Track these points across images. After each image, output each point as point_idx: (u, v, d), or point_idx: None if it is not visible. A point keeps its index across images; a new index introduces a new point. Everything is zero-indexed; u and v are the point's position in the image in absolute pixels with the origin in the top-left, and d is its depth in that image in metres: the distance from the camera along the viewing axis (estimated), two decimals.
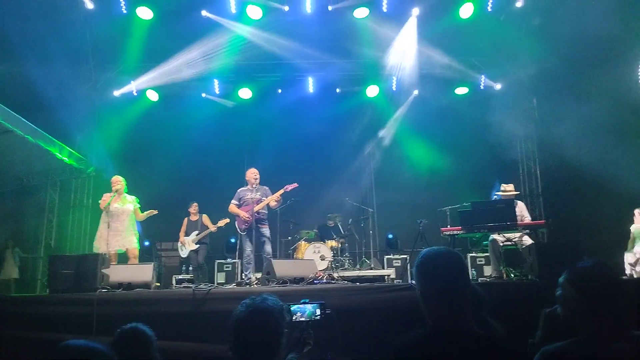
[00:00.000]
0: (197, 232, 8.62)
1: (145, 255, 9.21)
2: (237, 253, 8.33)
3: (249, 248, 6.77)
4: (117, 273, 5.28)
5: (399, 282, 7.21)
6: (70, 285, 4.91)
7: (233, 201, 7.05)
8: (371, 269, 8.51)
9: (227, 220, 8.05)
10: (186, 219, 8.85)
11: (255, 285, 5.98)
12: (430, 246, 1.90)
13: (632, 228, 7.33)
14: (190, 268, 8.65)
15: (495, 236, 6.16)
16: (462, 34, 9.43)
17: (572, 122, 7.89)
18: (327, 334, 2.66)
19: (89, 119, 10.15)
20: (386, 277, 8.01)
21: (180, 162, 10.17)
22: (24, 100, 7.87)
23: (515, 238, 6.09)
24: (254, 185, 6.87)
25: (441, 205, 7.84)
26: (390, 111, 11.10)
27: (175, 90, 10.33)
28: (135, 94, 10.32)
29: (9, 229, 9.87)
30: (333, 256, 8.37)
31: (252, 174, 6.95)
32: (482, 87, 10.62)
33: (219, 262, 8.40)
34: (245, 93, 10.67)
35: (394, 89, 10.74)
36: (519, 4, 9.01)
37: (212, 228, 8.45)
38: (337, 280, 6.24)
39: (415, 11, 9.21)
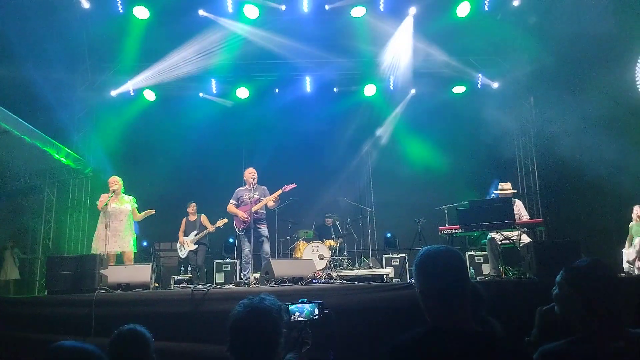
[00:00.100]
0: (195, 232, 8.61)
1: (143, 256, 9.21)
2: (235, 253, 8.34)
3: (247, 248, 6.76)
4: (115, 274, 5.27)
5: (397, 281, 7.21)
6: (69, 286, 4.90)
7: (231, 201, 7.04)
8: (370, 268, 8.52)
9: (225, 220, 8.04)
10: (185, 219, 8.84)
11: (254, 285, 5.97)
12: (428, 245, 1.90)
13: (631, 226, 7.37)
14: (189, 268, 8.65)
15: (493, 235, 6.18)
16: (459, 33, 9.43)
17: (569, 120, 7.92)
18: (325, 333, 2.66)
19: (86, 119, 10.15)
20: (385, 276, 8.03)
21: (177, 162, 10.16)
22: (21, 100, 7.84)
23: (513, 236, 6.10)
24: (252, 185, 6.87)
25: (439, 204, 7.86)
26: (387, 110, 11.10)
27: (173, 90, 10.30)
28: (133, 93, 10.29)
29: (8, 229, 9.85)
30: (332, 255, 8.37)
31: (250, 173, 6.95)
32: (479, 86, 10.64)
33: (217, 262, 8.40)
34: (242, 92, 10.65)
35: (392, 88, 10.73)
36: (515, 3, 9.02)
37: (211, 228, 8.45)
38: (335, 279, 6.24)
39: (412, 10, 9.21)
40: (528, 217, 6.74)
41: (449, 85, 10.73)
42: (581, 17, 7.69)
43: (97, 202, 6.73)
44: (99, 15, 8.98)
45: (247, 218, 6.70)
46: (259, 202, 6.83)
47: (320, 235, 9.28)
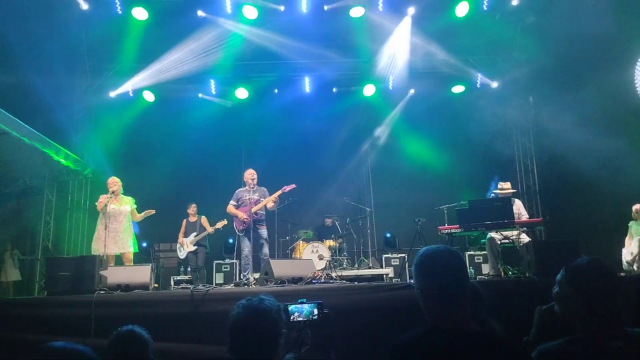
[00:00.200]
0: (195, 233, 8.61)
1: (143, 257, 9.20)
2: (235, 253, 8.34)
3: (247, 249, 6.77)
4: (115, 275, 5.27)
5: (397, 281, 7.21)
6: (68, 287, 4.91)
7: (231, 202, 7.05)
8: (369, 268, 8.52)
9: (225, 222, 8.05)
10: (185, 220, 8.85)
11: (254, 286, 5.97)
12: (428, 245, 1.90)
13: (630, 224, 7.36)
14: (189, 269, 8.65)
15: (492, 234, 6.18)
16: (458, 33, 9.43)
17: (568, 120, 7.92)
18: (325, 333, 2.66)
19: (85, 120, 10.13)
20: (384, 276, 8.03)
21: (177, 163, 10.14)
22: (20, 102, 7.83)
23: (512, 236, 6.10)
24: (251, 186, 6.87)
25: (438, 204, 7.86)
26: (386, 110, 11.09)
27: (172, 91, 10.29)
28: (132, 94, 10.28)
29: (7, 231, 9.84)
30: (331, 256, 8.38)
31: (250, 174, 6.95)
32: (478, 86, 10.63)
33: (217, 263, 8.40)
34: (241, 93, 10.63)
35: (391, 87, 10.72)
36: (514, 3, 9.03)
37: (210, 230, 8.45)
38: (335, 279, 6.24)
39: (411, 10, 9.21)
40: (527, 216, 6.74)
41: (448, 85, 10.72)
42: (580, 16, 7.69)
43: (96, 203, 6.74)
44: (98, 16, 8.97)
45: (246, 219, 6.71)
46: (259, 203, 6.84)
47: (320, 235, 9.28)
